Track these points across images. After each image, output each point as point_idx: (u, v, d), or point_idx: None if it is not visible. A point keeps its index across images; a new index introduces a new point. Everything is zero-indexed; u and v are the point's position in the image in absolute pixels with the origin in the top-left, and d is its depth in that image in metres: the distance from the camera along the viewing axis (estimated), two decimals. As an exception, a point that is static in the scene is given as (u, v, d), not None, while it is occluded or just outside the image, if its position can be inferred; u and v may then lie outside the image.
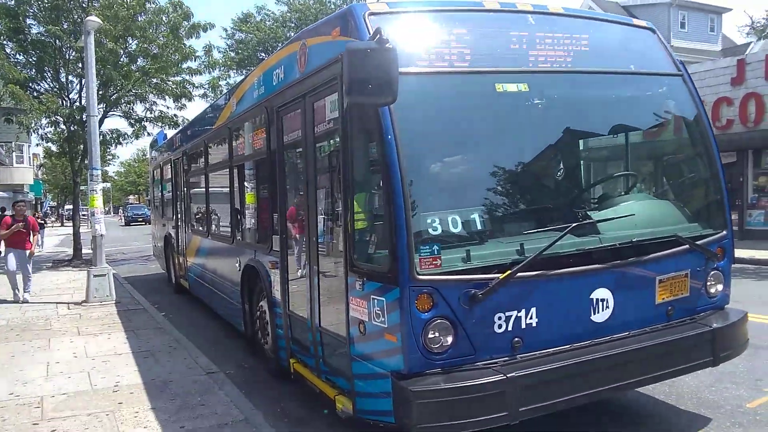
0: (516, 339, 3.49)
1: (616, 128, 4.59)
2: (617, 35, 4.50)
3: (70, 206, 55.44)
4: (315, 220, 4.45)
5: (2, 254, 10.82)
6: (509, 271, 3.38)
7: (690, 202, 4.57)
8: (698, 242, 4.13)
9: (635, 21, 4.72)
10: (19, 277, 10.23)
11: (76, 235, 17.39)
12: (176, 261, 10.88)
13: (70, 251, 18.24)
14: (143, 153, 70.92)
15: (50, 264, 16.98)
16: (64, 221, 52.15)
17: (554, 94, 4.09)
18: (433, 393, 3.21)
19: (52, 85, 16.97)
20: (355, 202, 3.73)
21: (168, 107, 17.97)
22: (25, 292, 10.29)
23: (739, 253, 13.44)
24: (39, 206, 51.65)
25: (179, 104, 17.64)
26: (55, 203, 63.73)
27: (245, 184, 6.59)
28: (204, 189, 8.45)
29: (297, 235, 4.96)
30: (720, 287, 4.33)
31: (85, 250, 17.70)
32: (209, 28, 17.09)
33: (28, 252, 10.22)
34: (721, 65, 17.68)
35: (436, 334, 3.31)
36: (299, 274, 4.92)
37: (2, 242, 10.40)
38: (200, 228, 8.94)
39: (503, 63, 3.88)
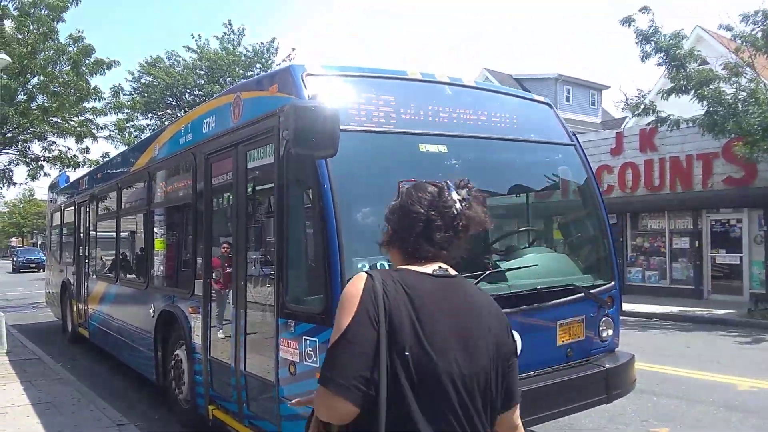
0: (437, 377, 3.78)
1: (519, 188, 5.16)
2: (520, 108, 5.12)
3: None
4: (244, 265, 4.58)
5: None
6: (432, 314, 3.70)
7: (583, 255, 5.18)
8: (591, 291, 4.69)
9: (535, 96, 5.40)
10: None
11: (-47, 280, 15.92)
12: (75, 308, 10.30)
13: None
14: (30, 193, 66.18)
15: None
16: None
17: (468, 156, 4.58)
18: (362, 429, 3.40)
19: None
20: (288, 247, 3.94)
21: (69, 148, 17.26)
22: None
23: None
24: None
25: (82, 145, 16.99)
26: None
27: (164, 228, 6.55)
28: (114, 233, 8.22)
29: (222, 280, 5.03)
30: (611, 332, 4.89)
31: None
32: (114, 65, 16.73)
33: None
34: (602, 136, 19.66)
35: (366, 373, 3.52)
36: (223, 319, 4.97)
37: None
38: (107, 273, 8.61)
39: (425, 126, 4.31)
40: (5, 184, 16.57)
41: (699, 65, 15.09)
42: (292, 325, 3.79)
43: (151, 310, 6.42)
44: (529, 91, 27.14)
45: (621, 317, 13.99)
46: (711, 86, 14.11)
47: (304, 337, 3.69)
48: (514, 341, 1.80)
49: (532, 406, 4.02)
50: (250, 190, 4.77)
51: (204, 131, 5.33)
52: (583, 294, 4.57)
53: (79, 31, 15.77)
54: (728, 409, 6.18)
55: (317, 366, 3.58)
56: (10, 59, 10.60)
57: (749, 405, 6.33)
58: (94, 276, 9.12)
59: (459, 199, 1.72)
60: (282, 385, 3.89)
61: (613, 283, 4.93)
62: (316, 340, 3.59)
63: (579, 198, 5.25)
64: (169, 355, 6.03)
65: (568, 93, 32.79)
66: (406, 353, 1.53)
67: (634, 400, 6.35)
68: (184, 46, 34.01)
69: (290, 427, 3.82)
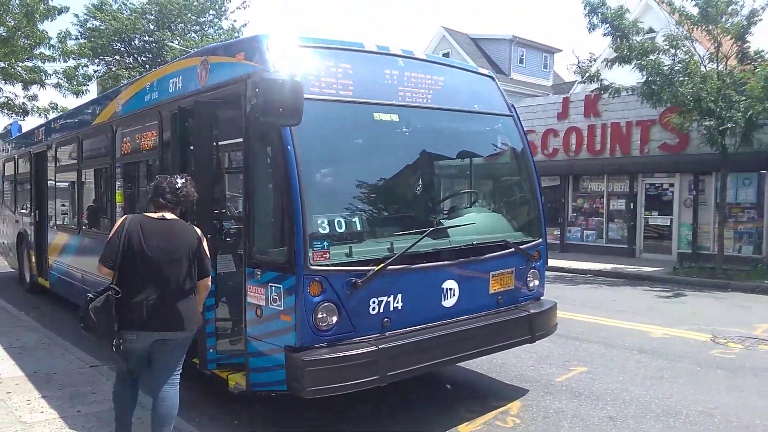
0: (386, 319, 4.37)
1: (462, 154, 5.72)
2: (466, 80, 5.61)
3: None
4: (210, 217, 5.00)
5: None
6: (382, 265, 4.26)
7: (516, 215, 5.82)
8: (521, 246, 5.34)
9: (480, 69, 5.90)
10: None
11: None
12: (33, 259, 10.43)
13: None
14: (-36, 140, 63.05)
15: None
16: None
17: (418, 124, 5.08)
18: (320, 362, 3.97)
19: None
20: (255, 204, 4.39)
21: (16, 95, 16.74)
22: None
23: (559, 263, 15.83)
24: None
25: (29, 93, 16.51)
26: None
27: (127, 181, 6.83)
28: (76, 184, 8.39)
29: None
30: (537, 282, 5.58)
31: None
32: (64, 11, 16.21)
33: None
34: (550, 101, 20.43)
35: (324, 315, 4.07)
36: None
37: None
38: (68, 224, 8.81)
39: (379, 96, 4.75)
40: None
41: (646, 33, 15.85)
42: (259, 273, 4.28)
43: (116, 260, 6.73)
44: (485, 52, 27.29)
45: (559, 273, 15.07)
46: (651, 57, 14.91)
47: (269, 284, 4.19)
48: (201, 247, 3.87)
49: (466, 344, 4.72)
50: (215, 149, 5.14)
51: (170, 90, 5.59)
52: (513, 249, 5.21)
53: None
54: (640, 352, 7.09)
55: (282, 309, 4.10)
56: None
57: (658, 349, 7.25)
58: (55, 227, 9.28)
59: (181, 182, 3.90)
60: (249, 326, 4.39)
61: (540, 240, 5.60)
62: (281, 286, 4.09)
63: (515, 164, 5.83)
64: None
65: (522, 55, 33.33)
66: (135, 249, 3.68)
67: (560, 345, 7.21)
68: (132, -10, 32.61)
69: (256, 363, 4.35)
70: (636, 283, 13.27)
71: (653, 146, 17.38)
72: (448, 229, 4.94)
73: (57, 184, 9.36)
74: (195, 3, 31.98)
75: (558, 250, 19.03)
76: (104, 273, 3.75)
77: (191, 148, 5.29)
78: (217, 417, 4.95)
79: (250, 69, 4.33)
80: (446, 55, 31.98)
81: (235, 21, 36.61)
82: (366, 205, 4.61)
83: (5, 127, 13.58)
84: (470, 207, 5.62)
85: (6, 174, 12.87)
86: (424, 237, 4.54)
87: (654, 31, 17.32)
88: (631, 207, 17.88)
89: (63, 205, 9.25)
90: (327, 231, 4.18)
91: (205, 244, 3.91)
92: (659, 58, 14.92)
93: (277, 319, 4.16)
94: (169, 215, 3.83)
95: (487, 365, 6.34)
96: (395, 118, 4.85)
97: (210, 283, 4.02)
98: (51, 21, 15.76)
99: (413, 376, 4.49)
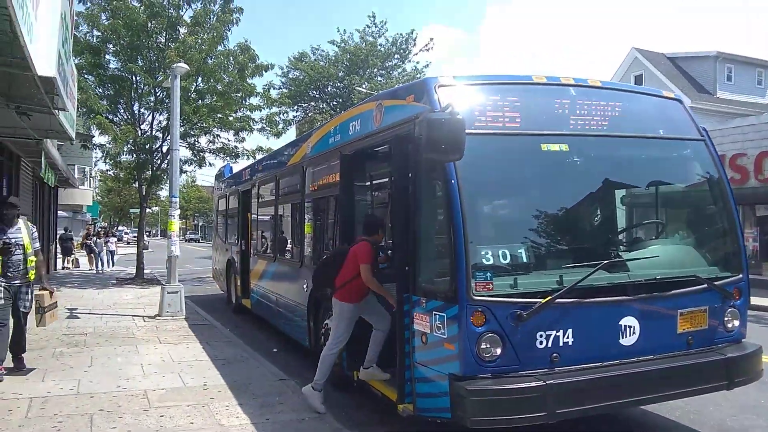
0: (554, 354, 4.20)
1: (645, 182, 5.30)
2: (648, 104, 5.27)
3: (122, 227, 57.74)
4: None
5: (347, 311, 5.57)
6: (549, 297, 4.13)
7: (711, 248, 5.24)
8: (715, 282, 4.79)
9: (665, 93, 5.49)
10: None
11: (140, 255, 18.65)
12: (238, 283, 11.84)
13: (128, 270, 19.58)
14: (192, 180, 74.23)
15: (114, 282, 18.28)
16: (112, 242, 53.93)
17: (591, 153, 4.88)
18: (484, 392, 3.95)
19: (125, 116, 18.56)
20: (421, 234, 4.56)
21: (228, 140, 19.37)
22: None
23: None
24: (93, 226, 54.41)
25: (238, 138, 19.00)
26: (106, 224, 66.50)
27: (315, 215, 7.49)
28: (272, 218, 9.41)
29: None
30: (737, 323, 4.94)
31: (146, 270, 19.08)
32: (270, 68, 18.59)
33: None
34: (763, 120, 18.02)
35: (487, 345, 4.05)
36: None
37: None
38: (267, 252, 9.88)
39: (547, 127, 4.67)
40: (181, 173, 18.97)
41: None
42: (424, 301, 4.41)
43: (304, 286, 7.41)
44: (684, 71, 25.21)
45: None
46: None
47: (434, 312, 4.29)
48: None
49: (647, 386, 4.34)
50: (389, 185, 5.45)
51: (350, 133, 6.09)
52: (705, 285, 4.70)
53: (246, 41, 17.74)
54: None
55: (445, 337, 4.17)
56: (188, 67, 12.27)
57: None
58: (256, 255, 10.47)
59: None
60: (416, 352, 4.53)
61: (740, 275, 4.97)
62: (444, 315, 4.17)
63: (708, 191, 5.27)
64: (320, 324, 6.96)
65: (730, 72, 30.08)
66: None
67: (768, 393, 6.24)
68: (329, 41, 35.90)
69: (422, 388, 4.45)
70: None
71: None
72: (628, 262, 4.62)
73: (259, 217, 10.59)
74: (381, 49, 34.18)
75: (776, 289, 16.51)
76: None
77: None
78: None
79: (418, 110, 4.56)
80: (638, 77, 30.04)
81: (417, 63, 38.36)
82: (533, 236, 4.52)
83: (219, 169, 15.68)
84: (655, 239, 5.20)
85: (219, 209, 14.85)
86: (597, 270, 4.31)
87: None
88: None
89: (263, 236, 10.42)
90: (491, 262, 4.17)
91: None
92: None
93: (441, 346, 4.24)
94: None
95: (679, 411, 5.71)
96: (564, 147, 4.71)
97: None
98: (260, 77, 18.12)
99: (585, 415, 4.23)
